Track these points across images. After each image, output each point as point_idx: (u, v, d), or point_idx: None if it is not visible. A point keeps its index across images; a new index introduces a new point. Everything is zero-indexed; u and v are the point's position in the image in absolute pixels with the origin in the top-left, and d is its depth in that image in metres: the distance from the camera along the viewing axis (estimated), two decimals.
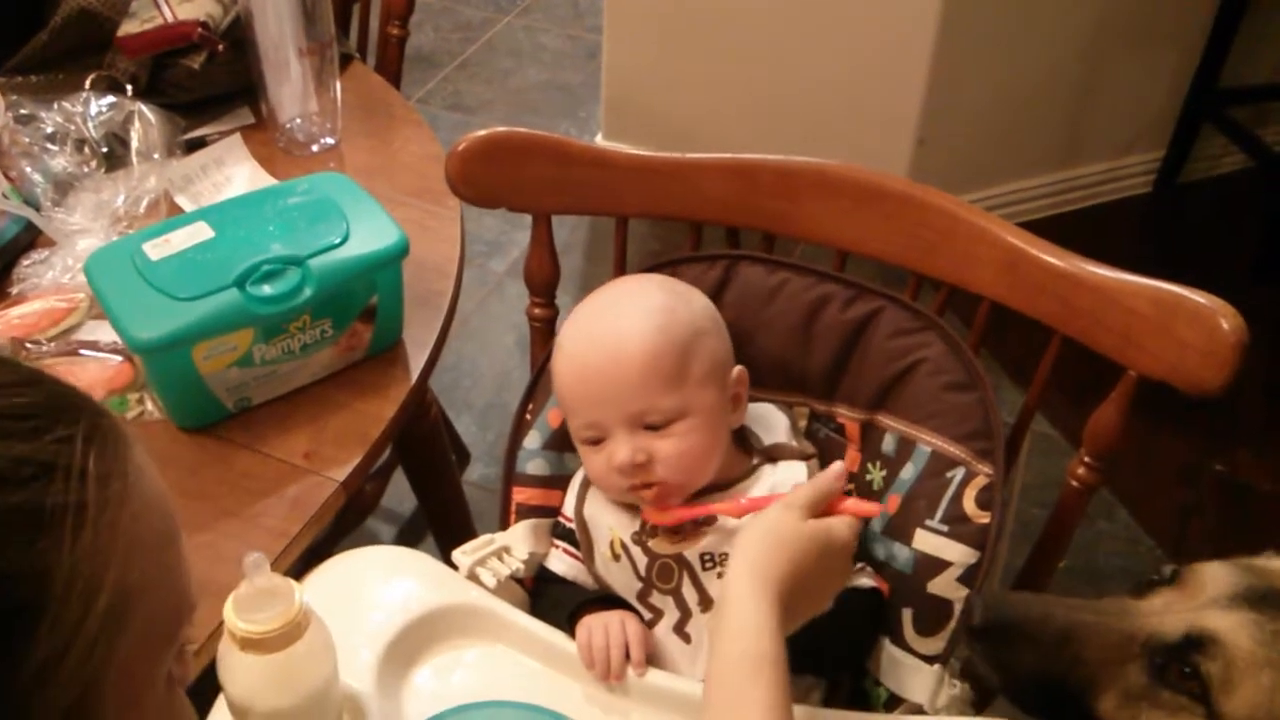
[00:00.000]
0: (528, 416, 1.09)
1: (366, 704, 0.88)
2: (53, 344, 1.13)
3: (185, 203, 1.33)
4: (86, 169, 1.32)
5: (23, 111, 1.35)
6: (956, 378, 1.00)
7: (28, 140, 1.32)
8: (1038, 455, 2.07)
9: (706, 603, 0.97)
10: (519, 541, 1.03)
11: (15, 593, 0.46)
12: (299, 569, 1.01)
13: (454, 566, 1.00)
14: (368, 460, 1.08)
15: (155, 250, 1.06)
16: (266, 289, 1.05)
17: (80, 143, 1.34)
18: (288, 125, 1.42)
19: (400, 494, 1.79)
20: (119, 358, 1.12)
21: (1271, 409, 2.21)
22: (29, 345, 1.12)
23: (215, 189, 1.35)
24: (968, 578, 0.96)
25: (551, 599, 1.02)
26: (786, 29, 2.37)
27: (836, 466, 0.92)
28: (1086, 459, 1.01)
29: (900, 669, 0.97)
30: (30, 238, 1.25)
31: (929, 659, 0.96)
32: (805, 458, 1.01)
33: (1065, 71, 2.46)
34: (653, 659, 0.95)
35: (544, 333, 1.17)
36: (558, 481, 1.07)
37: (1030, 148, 2.56)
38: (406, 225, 1.13)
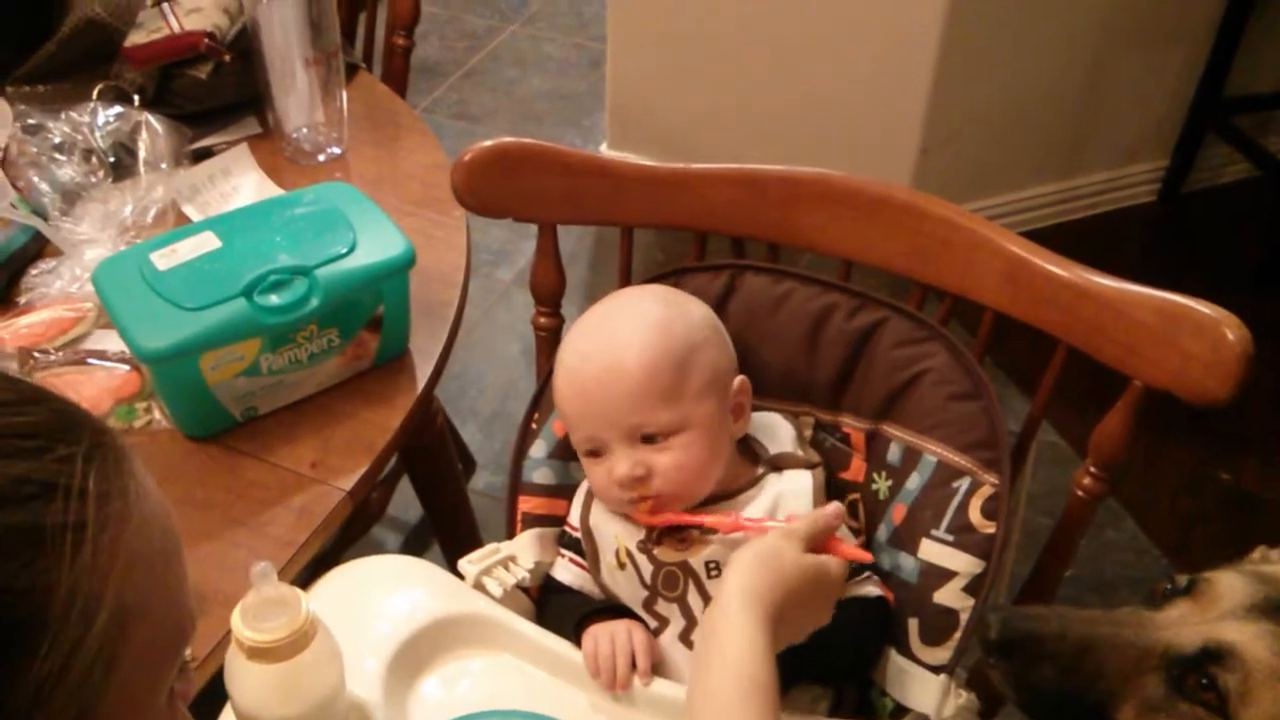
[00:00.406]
0: (533, 425, 1.09)
1: (373, 713, 0.89)
2: (60, 353, 1.13)
3: (192, 212, 1.33)
4: (94, 179, 1.33)
5: (30, 122, 1.35)
6: (961, 387, 1.00)
7: (35, 150, 1.32)
8: (1044, 464, 2.07)
9: None
10: (525, 550, 1.03)
11: (14, 611, 0.46)
12: (306, 578, 1.01)
13: (460, 575, 1.00)
14: (374, 469, 1.09)
15: (162, 260, 1.07)
16: (273, 299, 1.05)
17: (88, 153, 1.34)
18: (294, 135, 1.42)
19: (406, 503, 1.79)
20: (126, 367, 1.12)
21: (1277, 419, 2.20)
22: (37, 355, 1.12)
23: (222, 199, 1.35)
24: (973, 588, 0.96)
25: (557, 608, 1.02)
26: (790, 39, 2.38)
27: (836, 506, 0.93)
28: (1092, 469, 1.01)
29: (906, 679, 0.97)
30: (38, 247, 1.26)
31: (935, 669, 0.96)
32: (810, 467, 1.01)
33: (1068, 80, 2.46)
34: (658, 668, 0.95)
35: (549, 342, 1.17)
36: (563, 490, 1.07)
37: (1033, 157, 2.57)
38: (413, 235, 1.13)
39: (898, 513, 1.01)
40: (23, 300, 1.20)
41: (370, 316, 1.12)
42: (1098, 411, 1.00)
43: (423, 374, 1.17)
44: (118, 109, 1.38)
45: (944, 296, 1.06)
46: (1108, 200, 2.70)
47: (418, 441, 1.43)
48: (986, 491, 0.97)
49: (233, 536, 1.02)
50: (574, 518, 1.04)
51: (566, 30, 3.31)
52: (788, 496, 0.98)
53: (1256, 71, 2.58)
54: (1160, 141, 2.67)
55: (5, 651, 0.46)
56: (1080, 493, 1.02)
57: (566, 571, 1.03)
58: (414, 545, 1.96)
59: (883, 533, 1.03)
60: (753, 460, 1.02)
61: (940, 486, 0.99)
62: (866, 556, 0.94)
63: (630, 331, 0.96)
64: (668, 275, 1.09)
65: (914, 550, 0.99)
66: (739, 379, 1.00)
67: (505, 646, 0.97)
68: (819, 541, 0.89)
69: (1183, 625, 0.78)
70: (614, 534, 1.00)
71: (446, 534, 1.59)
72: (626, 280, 1.15)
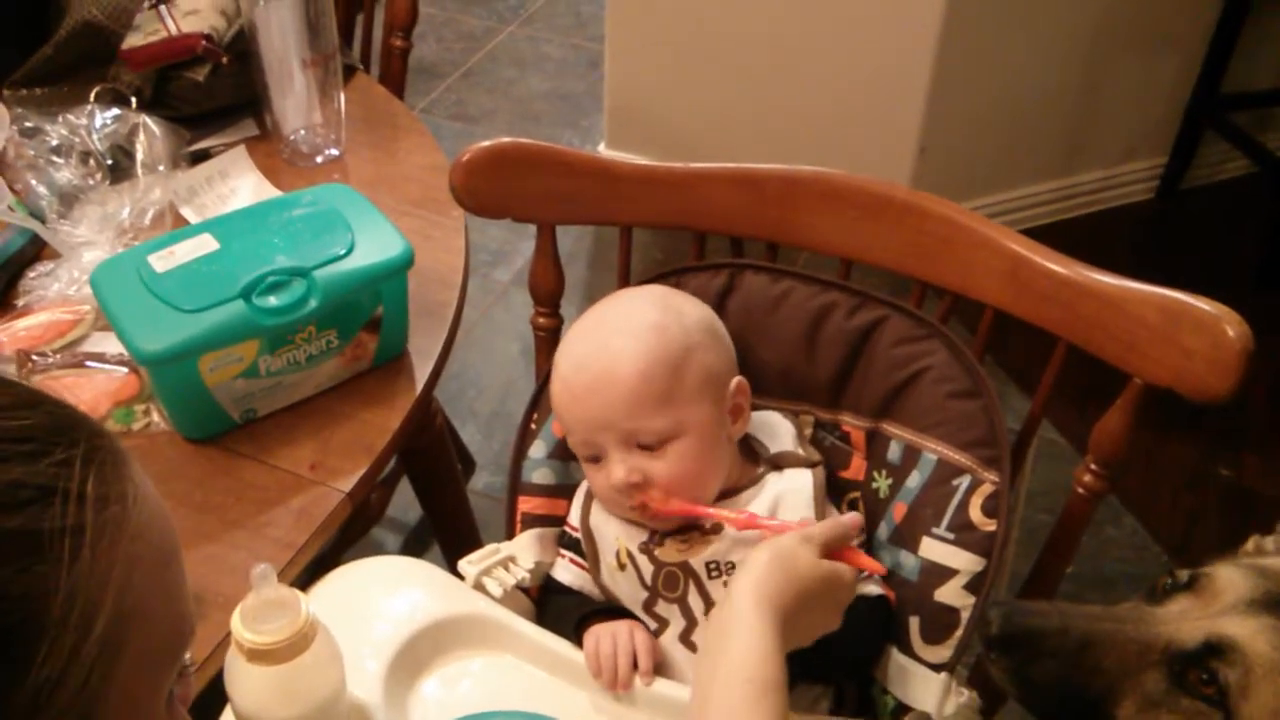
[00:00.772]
0: (532, 426, 1.09)
1: (374, 714, 0.88)
2: (59, 356, 1.13)
3: (190, 215, 1.33)
4: (91, 181, 1.33)
5: (28, 124, 1.35)
6: (961, 385, 1.00)
7: (33, 153, 1.32)
8: (1044, 461, 2.06)
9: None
10: (525, 551, 1.03)
11: (13, 616, 0.46)
12: (305, 579, 1.01)
13: (460, 576, 1.00)
14: (373, 470, 1.08)
15: (160, 262, 1.07)
16: (272, 300, 1.05)
17: (85, 155, 1.34)
18: (292, 137, 1.42)
19: (406, 504, 1.79)
20: (125, 369, 1.12)
21: (1278, 414, 2.20)
22: (35, 357, 1.12)
23: (220, 201, 1.35)
24: (974, 586, 0.96)
25: (558, 609, 1.02)
26: (788, 38, 2.38)
27: (855, 517, 0.93)
28: (1093, 466, 1.01)
29: (907, 677, 0.97)
30: (36, 250, 1.26)
31: (936, 667, 0.96)
32: (811, 465, 1.01)
33: (1067, 78, 2.46)
34: (659, 668, 0.95)
35: (548, 342, 1.17)
36: (563, 491, 1.07)
37: (1032, 155, 2.57)
38: (411, 236, 1.13)
39: (898, 511, 1.01)
40: (21, 303, 1.20)
41: (369, 317, 1.12)
42: (1098, 408, 1.00)
43: (421, 375, 1.17)
44: (115, 111, 1.37)
45: (943, 295, 1.06)
46: (1106, 198, 2.70)
47: (417, 442, 1.42)
48: (987, 489, 0.97)
49: (232, 538, 1.02)
50: (574, 518, 1.04)
51: (564, 31, 3.31)
52: (788, 495, 0.98)
53: (1254, 68, 2.58)
54: (1158, 139, 2.67)
55: (4, 656, 0.46)
56: (1081, 490, 1.02)
57: (566, 572, 1.03)
58: (414, 546, 1.95)
59: (883, 531, 1.03)
60: (753, 459, 1.02)
61: (940, 485, 0.99)
62: (881, 569, 0.93)
63: (623, 337, 0.96)
64: (667, 275, 1.09)
65: (915, 549, 0.99)
66: (736, 380, 1.00)
67: (505, 647, 0.97)
68: (836, 548, 0.89)
69: (1184, 620, 0.78)
70: (614, 535, 1.00)
71: (446, 535, 1.59)
72: (625, 280, 1.15)
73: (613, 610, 0.99)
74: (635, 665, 0.93)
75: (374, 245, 1.11)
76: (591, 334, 0.99)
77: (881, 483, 1.04)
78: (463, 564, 1.01)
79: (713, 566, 0.96)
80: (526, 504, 1.08)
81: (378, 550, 1.89)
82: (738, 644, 0.78)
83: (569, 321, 1.05)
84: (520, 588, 1.01)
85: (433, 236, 1.29)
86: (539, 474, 1.08)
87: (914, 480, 1.00)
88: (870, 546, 1.03)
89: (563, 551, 1.04)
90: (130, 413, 1.10)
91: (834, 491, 1.04)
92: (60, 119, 1.36)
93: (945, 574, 0.97)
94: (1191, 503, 2.09)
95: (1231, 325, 0.89)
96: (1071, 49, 2.42)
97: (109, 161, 1.35)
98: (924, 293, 1.07)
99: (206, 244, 1.09)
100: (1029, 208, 2.62)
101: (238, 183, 1.38)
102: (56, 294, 1.20)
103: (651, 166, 1.11)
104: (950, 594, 0.96)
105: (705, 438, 0.96)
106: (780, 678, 0.77)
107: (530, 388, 1.12)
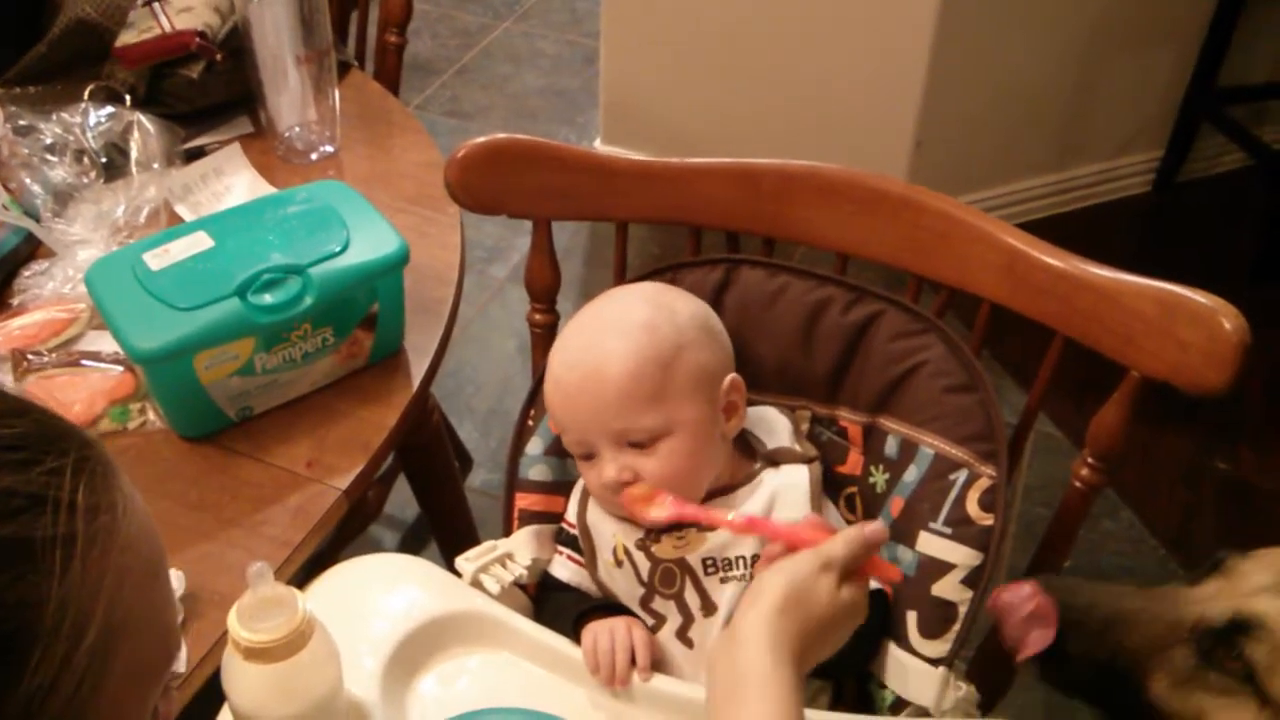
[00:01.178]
0: (529, 422, 1.09)
1: (371, 712, 0.88)
2: (54, 355, 1.13)
3: (185, 212, 1.33)
4: (86, 179, 1.32)
5: (21, 123, 1.35)
6: (958, 380, 1.00)
7: (27, 151, 1.32)
8: (1041, 455, 2.06)
9: (709, 607, 0.97)
10: (522, 548, 1.03)
11: (7, 624, 0.46)
12: (302, 577, 1.01)
13: (457, 573, 1.00)
14: (370, 468, 1.08)
15: (155, 260, 1.06)
16: (267, 298, 1.05)
17: (79, 153, 1.34)
18: (286, 134, 1.42)
19: (403, 501, 1.79)
20: (120, 368, 1.11)
21: (1274, 407, 2.21)
22: (30, 356, 1.12)
23: (215, 198, 1.35)
24: (972, 580, 0.96)
25: (555, 605, 1.02)
26: (784, 33, 2.37)
27: (879, 526, 0.86)
28: (1090, 460, 1.01)
29: (905, 672, 0.97)
30: (30, 249, 1.26)
31: (934, 661, 0.96)
32: (807, 461, 1.01)
33: (1063, 72, 2.46)
34: (656, 664, 0.95)
35: (545, 338, 1.17)
36: (560, 487, 1.07)
37: (1028, 148, 2.57)
38: (406, 232, 1.13)
39: (895, 505, 1.01)
40: (15, 302, 1.20)
41: (364, 315, 1.12)
42: (1094, 402, 1.00)
43: (418, 372, 1.17)
44: (109, 109, 1.37)
45: (940, 289, 1.06)
46: (1102, 191, 2.70)
47: (414, 440, 1.42)
48: (984, 484, 0.97)
49: (229, 537, 1.02)
50: (571, 515, 1.04)
51: (559, 27, 3.31)
52: (784, 491, 0.98)
53: (1250, 61, 2.58)
54: (1155, 132, 2.67)
55: None
56: (1078, 483, 1.02)
57: (564, 569, 1.03)
58: (411, 544, 1.95)
59: None
60: (750, 455, 1.02)
61: (937, 479, 0.99)
62: (898, 576, 0.92)
63: (613, 336, 0.96)
64: (663, 270, 1.09)
65: (912, 543, 0.98)
66: (730, 377, 0.99)
67: (503, 644, 0.97)
68: (857, 566, 0.83)
69: (1214, 599, 0.80)
70: (611, 531, 1.00)
71: (444, 532, 1.59)
72: (621, 275, 1.15)
73: (610, 607, 0.99)
74: (633, 661, 0.93)
75: (369, 242, 1.11)
76: (582, 333, 0.99)
77: (878, 477, 1.04)
78: (460, 561, 1.01)
79: (709, 563, 0.96)
80: (524, 501, 1.08)
81: (375, 548, 1.89)
82: (758, 707, 0.73)
83: (565, 317, 1.05)
84: (518, 585, 1.01)
85: (428, 233, 1.29)
86: (536, 470, 1.08)
87: (911, 475, 1.00)
88: None
89: (560, 548, 1.04)
90: (126, 411, 1.10)
91: (831, 486, 1.04)
92: (54, 117, 1.35)
93: (943, 568, 0.97)
94: (1188, 496, 2.09)
95: (1228, 318, 0.89)
96: (1068, 43, 2.42)
97: (103, 159, 1.35)
98: (920, 287, 1.07)
99: (201, 242, 1.09)
100: (1025, 202, 2.62)
101: (232, 180, 1.38)
102: (51, 292, 1.20)
103: (647, 162, 1.11)
104: (948, 588, 0.96)
105: (697, 436, 0.96)
106: None
107: (527, 384, 1.12)
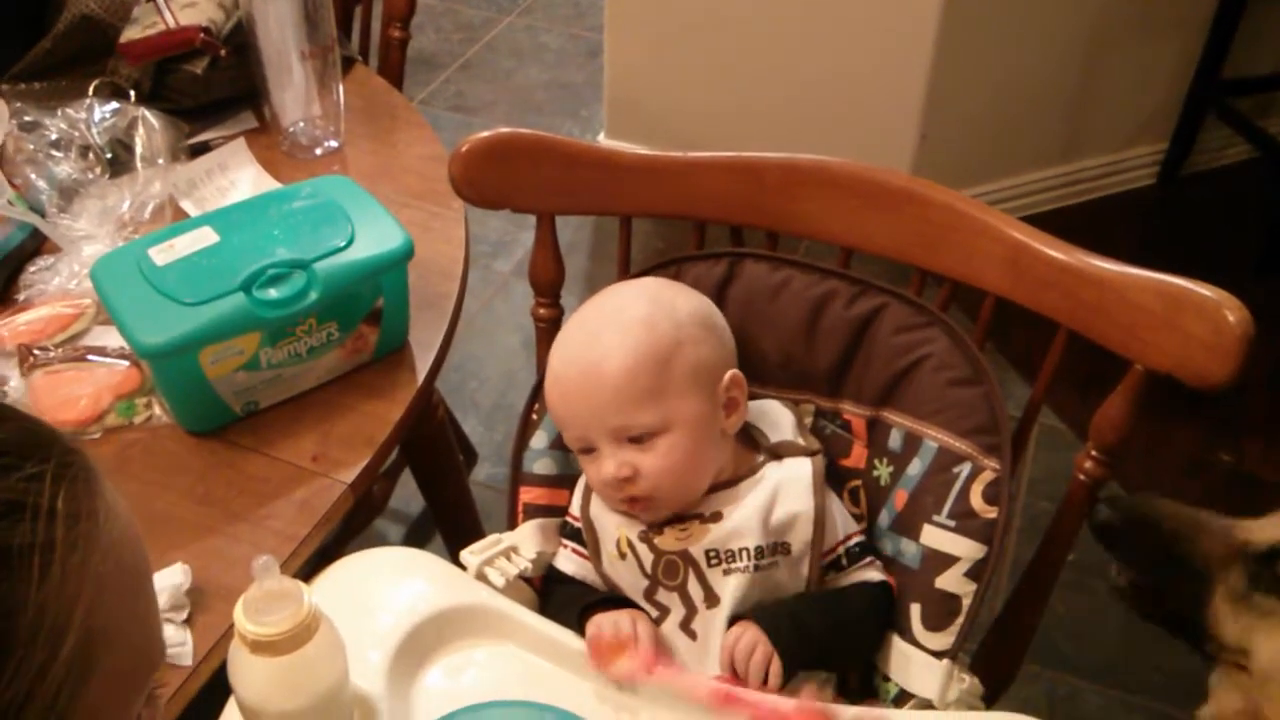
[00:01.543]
0: (534, 416, 1.09)
1: (377, 705, 0.89)
2: (60, 350, 1.13)
3: (190, 207, 1.33)
4: (91, 175, 1.33)
5: (27, 119, 1.35)
6: (961, 373, 1.00)
7: (32, 147, 1.32)
8: (1045, 448, 2.08)
9: (712, 599, 0.97)
10: (527, 541, 1.04)
11: None
12: (308, 571, 1.01)
13: (462, 567, 1.00)
14: (375, 462, 1.09)
15: (161, 255, 1.07)
16: (272, 293, 1.05)
17: (84, 149, 1.34)
18: (291, 129, 1.42)
19: (408, 495, 1.79)
20: (126, 363, 1.12)
21: (1278, 400, 2.20)
22: (36, 352, 1.12)
23: (220, 193, 1.35)
24: (975, 573, 0.96)
25: (560, 598, 1.02)
26: (788, 26, 2.37)
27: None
28: (1094, 452, 1.01)
29: (909, 664, 0.97)
30: (36, 244, 1.26)
31: (938, 654, 0.96)
32: (811, 454, 1.01)
33: (1067, 64, 2.46)
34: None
35: (549, 333, 1.17)
36: (565, 481, 1.07)
37: (1033, 141, 2.56)
38: (411, 227, 1.13)
39: (899, 499, 1.01)
40: (21, 297, 1.20)
41: (369, 309, 1.12)
42: (1098, 395, 1.00)
43: (423, 366, 1.17)
44: (114, 105, 1.37)
45: (943, 282, 1.06)
46: (1107, 184, 2.69)
47: (419, 434, 1.43)
48: (987, 477, 0.97)
49: (234, 531, 1.02)
50: (575, 508, 1.04)
51: (563, 20, 3.30)
52: (787, 484, 0.98)
53: (1255, 53, 2.57)
54: (1160, 125, 2.66)
55: None
56: (1081, 476, 1.02)
57: (569, 562, 1.03)
58: (416, 537, 1.96)
59: (884, 519, 1.03)
60: (753, 448, 1.02)
61: (941, 472, 0.99)
62: None
63: (612, 332, 0.96)
64: (666, 264, 1.09)
65: (916, 536, 0.99)
66: (730, 373, 0.99)
67: (509, 637, 0.97)
68: None
69: (1263, 528, 0.85)
70: (614, 524, 1.00)
71: (448, 526, 1.60)
72: (625, 269, 1.15)
73: (615, 599, 0.99)
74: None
75: (374, 237, 1.11)
76: (582, 329, 1.00)
77: (882, 470, 1.04)
78: (465, 554, 1.01)
79: (712, 554, 0.97)
80: (528, 494, 1.08)
81: (380, 542, 1.89)
82: None
83: (570, 312, 1.05)
84: (523, 578, 1.02)
85: (432, 228, 1.29)
86: (540, 464, 1.08)
87: (915, 468, 1.00)
88: (871, 534, 1.04)
89: (565, 541, 1.05)
90: (132, 406, 1.10)
91: (835, 480, 1.04)
92: (59, 113, 1.36)
93: (947, 561, 0.97)
94: (1193, 489, 2.09)
95: (1232, 311, 0.89)
96: (1072, 35, 2.41)
97: (108, 155, 1.35)
98: (924, 280, 1.07)
99: (206, 237, 1.09)
100: (1030, 194, 2.61)
101: (237, 175, 1.38)
102: (57, 288, 1.20)
103: (651, 156, 1.11)
104: (952, 581, 0.96)
105: (696, 431, 0.96)
106: None
107: (531, 378, 1.12)
